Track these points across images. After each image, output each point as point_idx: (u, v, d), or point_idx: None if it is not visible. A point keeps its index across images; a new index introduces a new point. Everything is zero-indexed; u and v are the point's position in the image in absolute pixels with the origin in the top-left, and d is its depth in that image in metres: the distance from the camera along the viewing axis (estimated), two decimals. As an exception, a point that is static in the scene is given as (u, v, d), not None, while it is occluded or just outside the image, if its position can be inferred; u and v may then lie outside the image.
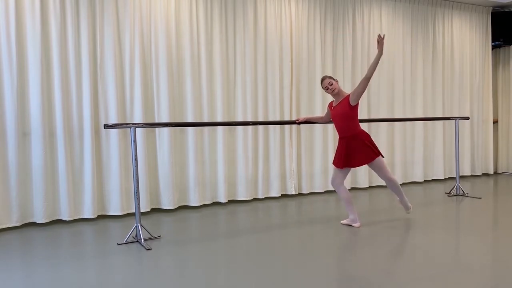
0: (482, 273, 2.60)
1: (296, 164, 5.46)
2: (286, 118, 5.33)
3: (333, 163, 3.84)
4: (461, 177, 6.78)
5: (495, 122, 7.41)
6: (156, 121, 4.61)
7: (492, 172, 7.19)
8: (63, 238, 3.64)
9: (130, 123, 3.60)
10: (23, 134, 4.06)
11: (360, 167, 5.50)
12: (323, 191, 5.62)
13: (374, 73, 3.60)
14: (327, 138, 5.63)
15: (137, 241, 3.44)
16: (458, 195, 5.31)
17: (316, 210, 4.58)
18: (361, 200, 5.12)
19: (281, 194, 5.38)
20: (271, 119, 5.25)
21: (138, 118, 4.47)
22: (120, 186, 4.38)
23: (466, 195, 5.28)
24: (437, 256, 2.94)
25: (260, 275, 2.64)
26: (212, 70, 4.92)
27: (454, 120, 5.39)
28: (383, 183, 5.86)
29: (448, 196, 5.29)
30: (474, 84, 6.95)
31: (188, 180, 4.79)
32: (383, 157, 3.76)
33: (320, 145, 5.56)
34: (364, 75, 5.87)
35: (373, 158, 3.67)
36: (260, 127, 5.18)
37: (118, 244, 3.40)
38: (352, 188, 5.85)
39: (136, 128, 3.69)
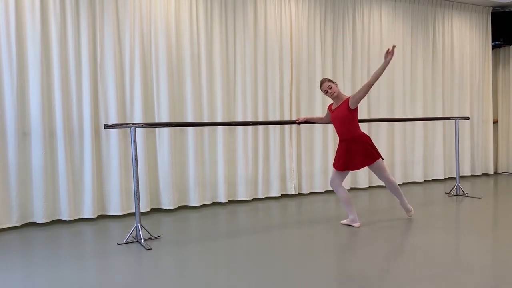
0: (482, 273, 2.60)
1: (296, 164, 5.47)
2: (286, 118, 5.33)
3: (333, 165, 3.84)
4: (461, 177, 6.77)
5: (495, 122, 7.41)
6: (156, 121, 4.61)
7: (492, 172, 7.19)
8: (63, 238, 3.64)
9: (130, 123, 3.60)
10: (23, 134, 4.06)
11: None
12: (323, 191, 5.62)
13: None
14: (327, 138, 5.63)
15: (137, 241, 3.44)
16: (458, 195, 5.31)
17: (316, 210, 4.58)
18: (361, 200, 5.12)
19: (281, 194, 5.38)
20: (271, 119, 5.25)
21: (138, 118, 4.47)
22: (120, 186, 4.38)
23: (466, 195, 5.28)
24: (437, 256, 2.94)
25: (260, 275, 2.64)
26: (212, 70, 4.92)
27: (454, 120, 5.39)
28: (383, 183, 5.85)
29: (448, 196, 5.29)
30: (474, 84, 6.95)
31: (188, 180, 4.79)
32: (383, 159, 3.76)
33: (320, 145, 5.56)
34: (364, 75, 5.97)
35: (373, 161, 3.67)
36: (260, 127, 5.18)
37: (118, 244, 3.40)
38: (352, 188, 5.85)
39: (136, 128, 3.68)
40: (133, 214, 4.40)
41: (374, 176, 5.90)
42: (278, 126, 5.28)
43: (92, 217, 4.25)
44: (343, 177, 3.81)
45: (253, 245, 3.30)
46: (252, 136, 5.13)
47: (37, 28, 4.01)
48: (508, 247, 3.11)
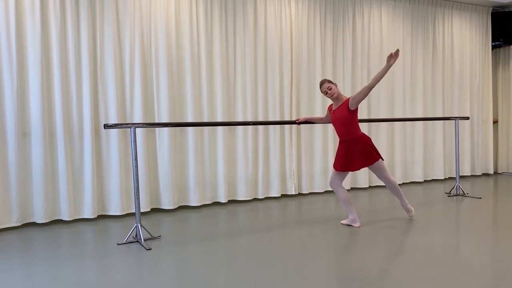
0: (482, 273, 2.60)
1: (296, 164, 5.47)
2: (286, 118, 5.33)
3: (333, 166, 3.84)
4: (461, 177, 6.78)
5: (495, 122, 7.41)
6: (156, 121, 4.61)
7: (492, 172, 7.19)
8: (63, 238, 3.64)
9: (130, 123, 3.60)
10: (23, 134, 4.06)
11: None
12: (323, 191, 5.62)
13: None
14: (327, 138, 5.63)
15: (137, 241, 3.44)
16: (458, 195, 5.31)
17: (316, 210, 4.58)
18: (361, 200, 5.12)
19: (281, 194, 5.38)
20: (271, 119, 5.25)
21: (138, 118, 4.47)
22: (120, 186, 4.38)
23: (466, 195, 5.28)
24: (437, 256, 2.94)
25: (260, 275, 2.64)
26: (212, 70, 4.92)
27: (454, 120, 5.39)
28: (383, 184, 5.85)
29: (448, 196, 5.29)
30: (474, 84, 6.95)
31: (188, 180, 4.79)
32: (383, 160, 3.76)
33: (320, 145, 5.56)
34: (364, 76, 5.97)
35: (373, 162, 3.67)
36: (260, 127, 5.18)
37: (118, 244, 3.41)
38: (352, 188, 5.85)
39: (136, 128, 3.68)
40: (133, 214, 4.40)
41: (374, 176, 5.91)
42: (278, 126, 5.28)
43: (92, 217, 4.25)
44: (343, 178, 3.81)
45: (253, 245, 3.30)
46: (252, 136, 5.13)
47: (37, 28, 4.01)
48: (508, 247, 3.11)
